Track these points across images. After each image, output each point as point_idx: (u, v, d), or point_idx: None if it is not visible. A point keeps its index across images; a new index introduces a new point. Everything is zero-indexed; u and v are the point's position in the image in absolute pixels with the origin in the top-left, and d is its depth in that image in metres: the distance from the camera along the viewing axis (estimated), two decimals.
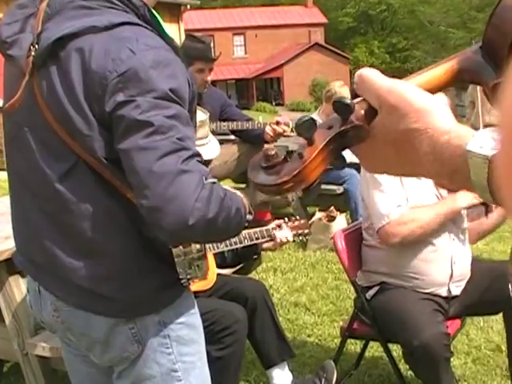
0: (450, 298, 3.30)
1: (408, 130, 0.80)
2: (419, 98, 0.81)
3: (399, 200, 3.18)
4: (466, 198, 3.15)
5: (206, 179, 1.68)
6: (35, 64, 1.77)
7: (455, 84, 0.90)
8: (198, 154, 1.72)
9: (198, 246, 1.98)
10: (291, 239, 3.30)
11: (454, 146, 0.77)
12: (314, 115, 6.86)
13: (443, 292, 3.27)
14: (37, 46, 1.77)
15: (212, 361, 3.03)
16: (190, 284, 1.96)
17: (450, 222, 3.24)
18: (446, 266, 3.26)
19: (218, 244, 3.12)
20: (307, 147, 0.81)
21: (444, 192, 3.24)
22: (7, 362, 3.93)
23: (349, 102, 0.82)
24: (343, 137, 0.83)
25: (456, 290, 3.31)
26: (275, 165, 0.83)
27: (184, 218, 1.62)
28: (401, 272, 3.27)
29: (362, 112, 0.84)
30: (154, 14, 1.85)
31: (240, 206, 1.78)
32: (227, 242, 3.12)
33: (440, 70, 0.88)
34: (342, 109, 0.82)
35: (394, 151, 0.83)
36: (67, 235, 1.84)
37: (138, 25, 1.78)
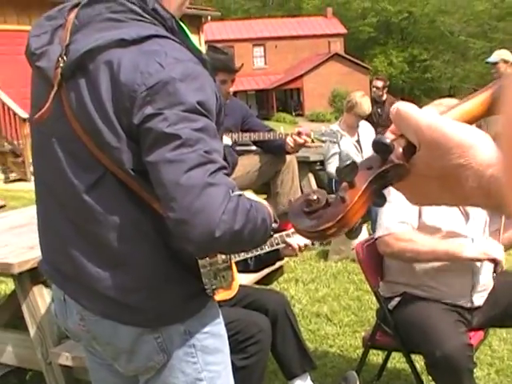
0: (472, 309, 3.29)
1: (451, 166, 0.78)
2: (460, 133, 0.79)
3: (405, 217, 3.20)
4: (473, 251, 3.12)
5: (232, 192, 1.69)
6: (63, 75, 1.79)
7: (492, 114, 0.85)
8: (225, 167, 1.73)
9: (223, 257, 1.99)
10: (309, 242, 3.26)
11: (499, 179, 0.74)
12: (335, 125, 6.86)
13: (466, 303, 3.26)
14: (65, 58, 1.79)
15: (235, 370, 3.04)
16: (214, 294, 1.96)
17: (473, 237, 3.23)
18: (467, 277, 3.24)
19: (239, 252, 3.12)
20: (348, 190, 0.80)
21: (471, 209, 3.23)
22: (30, 371, 3.95)
23: (388, 141, 0.81)
24: (384, 177, 0.82)
25: (479, 301, 3.29)
26: (317, 209, 0.82)
27: (210, 230, 1.63)
28: (422, 283, 3.27)
29: (401, 150, 0.83)
30: (181, 26, 1.87)
31: (266, 216, 1.79)
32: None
33: (477, 101, 0.85)
34: (381, 148, 0.81)
35: (437, 186, 0.82)
36: (94, 245, 1.85)
37: (166, 37, 1.79)
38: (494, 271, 3.25)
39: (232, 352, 3.03)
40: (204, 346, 1.94)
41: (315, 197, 0.82)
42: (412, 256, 3.16)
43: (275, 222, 1.88)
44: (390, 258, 3.29)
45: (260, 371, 3.15)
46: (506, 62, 8.04)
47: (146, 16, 1.81)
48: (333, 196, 0.83)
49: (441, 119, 0.81)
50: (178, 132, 1.66)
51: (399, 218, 3.19)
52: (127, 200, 1.80)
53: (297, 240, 3.18)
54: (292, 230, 3.22)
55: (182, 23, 1.87)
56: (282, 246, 3.15)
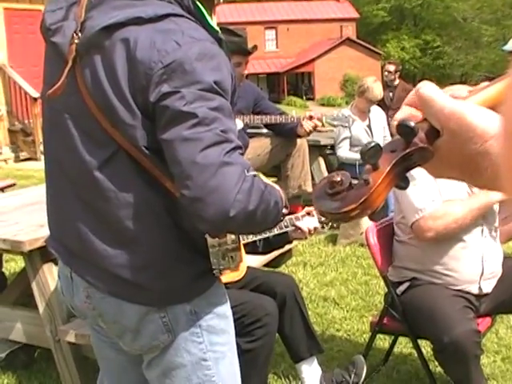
0: (481, 296, 3.29)
1: (472, 154, 0.78)
2: (483, 121, 0.78)
3: (433, 194, 3.16)
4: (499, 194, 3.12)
5: (247, 172, 1.69)
6: (78, 52, 1.79)
7: None
8: (241, 147, 1.73)
9: (233, 237, 1.99)
10: (318, 225, 3.25)
11: None
12: (347, 110, 6.85)
13: (474, 289, 3.26)
14: (80, 34, 1.79)
15: (242, 353, 3.05)
16: (221, 274, 1.97)
17: (481, 219, 3.23)
18: (476, 263, 3.24)
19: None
20: (372, 172, 0.80)
21: (476, 189, 3.22)
22: (39, 348, 3.97)
23: (413, 124, 0.80)
24: (407, 159, 0.82)
25: (487, 288, 3.29)
26: (340, 191, 0.81)
27: (225, 209, 1.64)
28: (431, 268, 3.26)
29: (424, 133, 0.82)
30: (198, 6, 1.86)
31: (278, 199, 1.80)
32: None
33: (502, 85, 0.83)
34: (405, 131, 0.81)
35: (458, 172, 0.83)
36: (103, 223, 1.86)
37: (183, 16, 1.79)
38: None
39: (238, 335, 3.04)
40: (210, 326, 1.94)
41: (339, 178, 0.82)
42: (456, 227, 3.13)
43: (285, 207, 1.88)
44: (434, 240, 3.19)
45: (266, 354, 3.16)
46: None
47: None
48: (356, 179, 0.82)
49: (464, 105, 0.80)
50: (195, 111, 1.66)
51: (430, 198, 3.16)
52: (139, 178, 1.80)
53: (306, 223, 3.17)
54: (302, 212, 3.22)
55: (198, 2, 1.87)
56: (291, 228, 3.14)
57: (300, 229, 3.14)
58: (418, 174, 3.13)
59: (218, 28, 1.92)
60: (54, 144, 1.96)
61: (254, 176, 1.72)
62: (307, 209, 3.28)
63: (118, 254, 1.84)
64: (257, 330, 3.07)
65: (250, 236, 3.13)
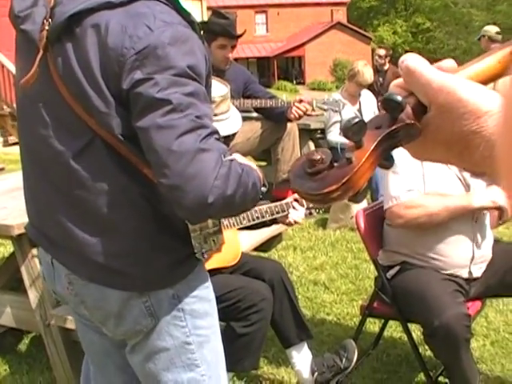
0: (470, 280, 3.29)
1: (462, 131, 0.73)
2: (473, 97, 0.73)
3: (412, 184, 3.17)
4: (482, 199, 3.12)
5: (224, 157, 1.68)
6: (49, 39, 1.76)
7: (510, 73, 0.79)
8: (217, 132, 1.72)
9: (214, 221, 1.99)
10: (303, 216, 3.27)
11: None
12: (337, 94, 6.85)
13: (464, 273, 3.26)
14: (50, 21, 1.76)
15: (236, 337, 3.06)
16: (204, 257, 1.96)
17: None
18: (467, 248, 3.24)
19: (241, 219, 3.13)
20: (355, 150, 0.74)
21: (469, 178, 3.22)
22: (29, 333, 3.96)
23: (400, 99, 0.75)
24: (393, 137, 0.76)
25: (477, 272, 3.29)
26: (321, 170, 0.75)
27: (204, 195, 1.63)
28: (421, 253, 3.26)
29: (410, 109, 0.77)
30: None
31: (256, 180, 1.79)
32: (249, 217, 3.13)
33: (494, 59, 0.80)
34: (392, 106, 0.75)
35: (445, 151, 0.77)
36: (81, 211, 1.84)
37: None
38: (500, 217, 3.21)
39: (234, 319, 3.05)
40: (193, 310, 1.94)
41: (319, 156, 0.75)
42: (426, 220, 3.14)
43: (264, 185, 1.89)
44: (404, 228, 3.25)
45: (260, 339, 3.18)
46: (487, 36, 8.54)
47: None
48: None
49: (454, 80, 0.75)
50: (169, 97, 1.65)
51: (406, 187, 3.17)
52: (116, 166, 1.78)
53: (294, 213, 3.19)
54: (290, 199, 3.23)
55: None
56: (282, 214, 3.16)
57: (287, 218, 3.17)
58: (401, 162, 3.13)
59: (192, 12, 1.90)
60: (28, 133, 1.94)
61: (231, 160, 1.71)
62: (296, 195, 3.28)
63: (97, 242, 1.84)
64: (253, 315, 3.09)
65: (244, 221, 3.13)
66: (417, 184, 3.17)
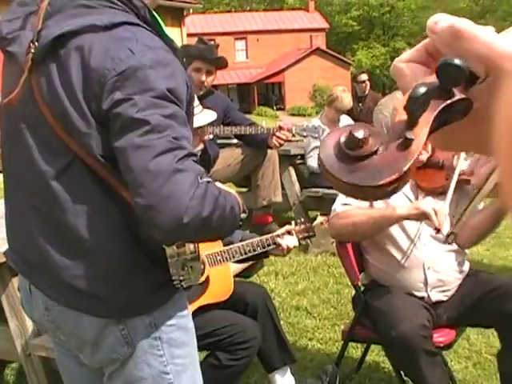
0: (436, 303, 3.30)
1: None
2: None
3: (348, 199, 3.20)
4: (405, 209, 3.12)
5: (200, 178, 1.69)
6: (34, 61, 1.78)
7: None
8: (194, 154, 1.73)
9: (191, 247, 2.00)
10: (297, 244, 3.35)
11: None
12: (316, 119, 6.90)
13: (423, 297, 3.29)
14: (36, 43, 1.78)
15: (220, 366, 3.07)
16: (182, 286, 1.95)
17: (418, 228, 3.26)
18: (418, 273, 3.27)
19: (234, 254, 3.15)
20: (413, 129, 0.59)
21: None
22: (11, 363, 3.93)
23: (465, 64, 0.59)
24: (447, 113, 0.61)
25: (437, 296, 3.30)
26: (370, 154, 0.59)
27: (179, 216, 1.63)
28: (386, 272, 3.34)
29: None
30: (154, 16, 1.86)
31: (234, 204, 1.80)
32: (241, 250, 3.15)
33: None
34: (453, 74, 0.59)
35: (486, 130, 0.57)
36: (60, 234, 1.84)
37: (138, 25, 1.79)
38: (438, 231, 3.06)
39: (223, 350, 3.07)
40: (170, 339, 1.92)
41: (362, 134, 0.59)
42: (352, 229, 3.20)
43: (244, 212, 1.90)
44: (337, 238, 3.40)
45: (242, 371, 3.22)
46: None
47: (118, 3, 1.81)
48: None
49: None
50: (147, 118, 1.65)
51: (343, 201, 3.25)
52: (95, 187, 1.79)
53: (286, 241, 3.22)
54: (282, 230, 3.27)
55: (156, 13, 1.87)
56: (272, 247, 3.19)
57: (280, 246, 3.20)
58: None
59: (175, 39, 1.92)
60: (10, 153, 1.94)
61: (208, 182, 1.71)
62: (287, 227, 3.33)
63: (75, 265, 1.83)
64: (242, 351, 3.11)
65: (237, 255, 3.15)
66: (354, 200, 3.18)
